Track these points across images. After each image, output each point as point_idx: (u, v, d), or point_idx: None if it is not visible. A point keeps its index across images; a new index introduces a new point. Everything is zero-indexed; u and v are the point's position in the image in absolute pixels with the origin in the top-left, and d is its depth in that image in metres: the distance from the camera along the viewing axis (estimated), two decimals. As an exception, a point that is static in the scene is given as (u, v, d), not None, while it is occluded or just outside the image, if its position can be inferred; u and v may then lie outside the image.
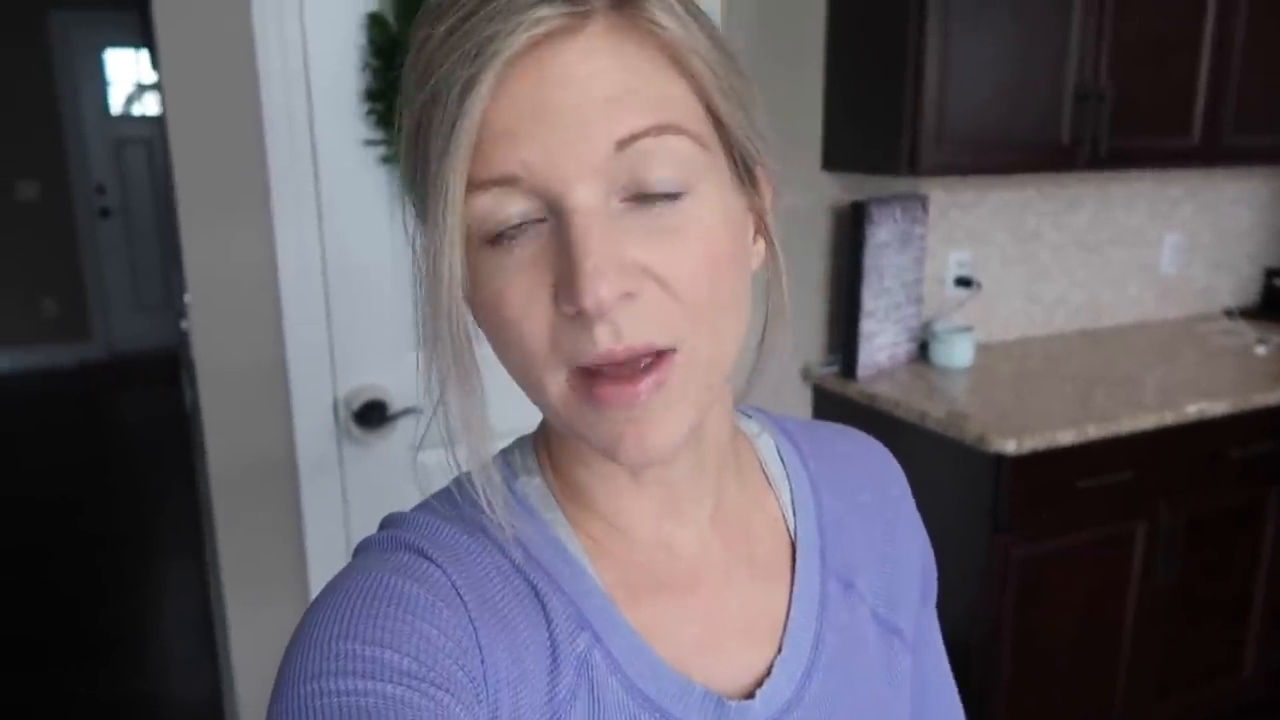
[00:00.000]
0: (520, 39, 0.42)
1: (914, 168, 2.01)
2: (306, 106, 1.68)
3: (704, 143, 0.47)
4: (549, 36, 0.43)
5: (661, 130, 0.45)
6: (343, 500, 1.83)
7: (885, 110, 2.04)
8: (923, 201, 2.30)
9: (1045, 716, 2.09)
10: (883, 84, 2.05)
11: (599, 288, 0.43)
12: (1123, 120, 2.20)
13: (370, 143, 1.72)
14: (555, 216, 0.45)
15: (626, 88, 0.44)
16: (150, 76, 6.16)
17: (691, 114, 0.47)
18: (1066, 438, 1.91)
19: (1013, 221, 2.58)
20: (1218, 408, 2.09)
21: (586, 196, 0.44)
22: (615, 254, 0.44)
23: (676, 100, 0.46)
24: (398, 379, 1.82)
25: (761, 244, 0.54)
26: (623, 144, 0.44)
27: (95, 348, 6.32)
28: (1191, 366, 2.40)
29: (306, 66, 1.67)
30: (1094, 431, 1.94)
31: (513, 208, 0.45)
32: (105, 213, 6.21)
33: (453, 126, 0.43)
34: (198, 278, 1.67)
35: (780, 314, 0.56)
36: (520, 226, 0.45)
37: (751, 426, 0.65)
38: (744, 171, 0.51)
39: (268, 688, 1.71)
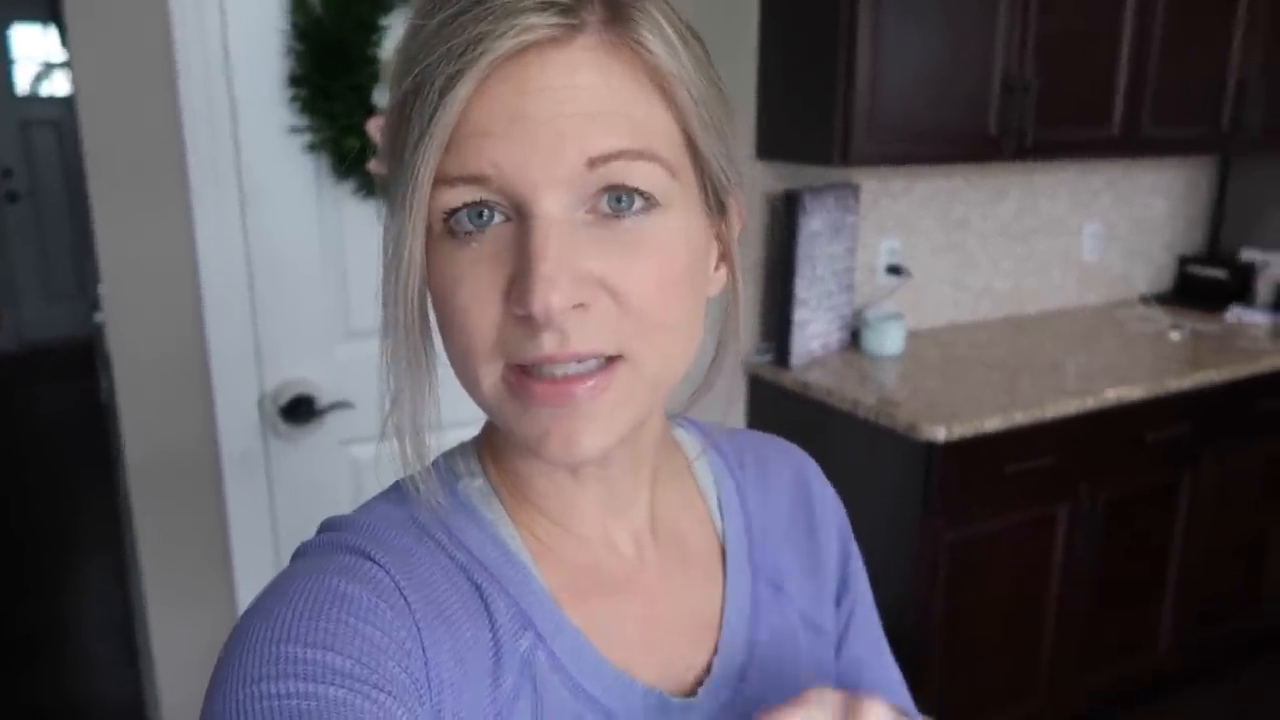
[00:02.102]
0: (507, 43, 0.43)
1: (846, 158, 2.03)
2: (227, 90, 1.62)
3: (675, 172, 0.48)
4: (537, 45, 0.44)
5: (636, 156, 0.45)
6: (269, 497, 1.79)
7: (818, 100, 2.06)
8: (854, 190, 2.32)
9: (975, 694, 2.15)
10: (815, 74, 2.06)
11: (550, 295, 0.43)
12: (1047, 111, 2.25)
13: (295, 129, 1.67)
14: (519, 219, 0.45)
15: (606, 107, 0.45)
16: (59, 54, 5.90)
17: (668, 142, 0.47)
18: (994, 424, 1.95)
19: (941, 210, 2.62)
20: (1135, 393, 2.16)
21: (551, 205, 0.44)
22: (571, 263, 0.44)
23: (655, 127, 0.47)
24: (326, 373, 1.78)
25: (723, 271, 0.55)
26: (594, 163, 0.44)
27: (4, 338, 6.05)
28: (1110, 352, 2.48)
29: (226, 49, 1.61)
30: (1020, 418, 1.98)
31: (478, 195, 0.45)
32: (13, 197, 5.93)
33: (429, 119, 0.44)
34: (112, 268, 1.60)
35: (733, 341, 0.57)
36: (483, 221, 0.46)
37: (681, 434, 0.66)
38: (715, 200, 0.52)
39: (191, 689, 1.64)
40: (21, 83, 5.93)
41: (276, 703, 0.41)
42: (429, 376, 0.51)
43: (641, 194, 0.46)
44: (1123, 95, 2.39)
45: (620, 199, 0.46)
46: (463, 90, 0.43)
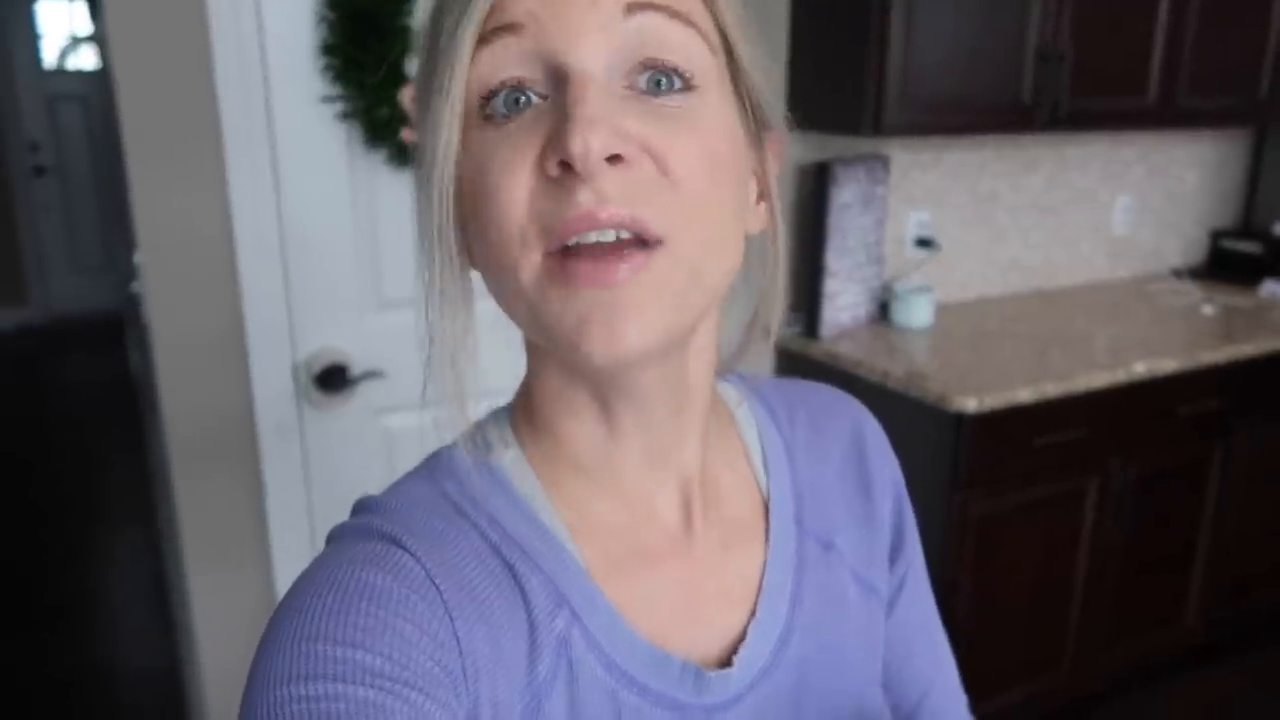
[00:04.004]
0: None
1: (878, 128, 2.01)
2: (260, 60, 1.62)
3: (715, 51, 0.47)
4: None
5: (674, 14, 0.45)
6: (303, 465, 1.80)
7: (850, 70, 2.04)
8: (885, 162, 2.30)
9: (1001, 667, 2.15)
10: (847, 44, 2.04)
11: (589, 135, 0.41)
12: (1081, 81, 2.22)
13: (328, 99, 1.67)
14: (555, 86, 0.44)
15: None
16: (85, 28, 5.92)
17: (708, 26, 0.47)
18: (1024, 396, 1.94)
19: (971, 183, 2.60)
20: (1167, 366, 2.15)
21: (589, 59, 0.43)
22: (611, 116, 0.42)
23: (694, 7, 0.46)
24: (359, 342, 1.79)
25: (763, 208, 0.53)
26: (632, 8, 0.44)
27: (32, 311, 6.11)
28: (1142, 326, 2.46)
29: (260, 18, 1.61)
30: (1051, 390, 1.97)
31: (514, 68, 0.44)
32: (40, 171, 5.98)
33: None
34: (149, 238, 1.62)
35: (775, 283, 0.54)
36: (519, 107, 0.44)
37: (727, 390, 0.64)
38: (753, 124, 0.50)
39: (229, 654, 1.67)
40: (48, 57, 5.96)
41: (306, 705, 0.41)
42: (470, 305, 0.49)
43: (680, 74, 0.45)
44: (1158, 65, 2.35)
45: (659, 80, 0.45)
46: None
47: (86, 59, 5.96)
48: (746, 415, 0.63)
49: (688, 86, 0.45)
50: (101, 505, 3.74)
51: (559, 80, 0.44)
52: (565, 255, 0.44)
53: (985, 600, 2.06)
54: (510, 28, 0.44)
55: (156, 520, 3.18)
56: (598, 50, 0.43)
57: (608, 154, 0.42)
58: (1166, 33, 2.34)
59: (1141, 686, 2.44)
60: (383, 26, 1.64)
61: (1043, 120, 2.20)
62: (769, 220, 0.54)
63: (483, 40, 0.44)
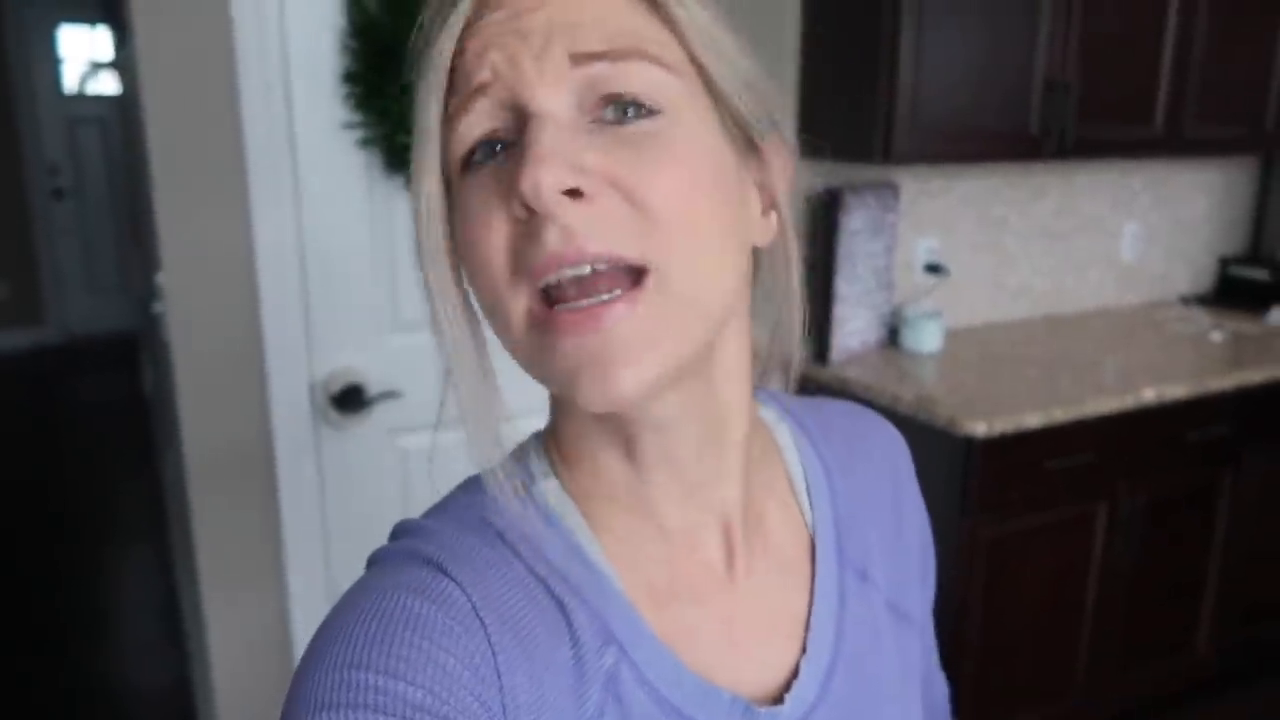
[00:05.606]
0: None
1: (887, 155, 2.04)
2: (284, 87, 1.67)
3: (679, 74, 0.46)
4: None
5: (623, 55, 0.44)
6: (319, 484, 1.83)
7: (859, 98, 2.07)
8: (894, 189, 2.33)
9: (1010, 693, 2.15)
10: (857, 73, 2.08)
11: (538, 173, 0.41)
12: (1088, 110, 2.25)
13: (348, 125, 1.71)
14: (521, 129, 0.45)
15: (593, 15, 0.45)
16: (105, 54, 6.02)
17: (667, 52, 0.46)
18: (1034, 420, 1.95)
19: (980, 210, 2.63)
20: (1175, 392, 2.16)
21: (549, 102, 0.44)
22: (568, 152, 0.43)
23: (649, 36, 0.46)
24: (376, 362, 1.82)
25: (773, 218, 0.53)
26: (578, 59, 0.44)
27: (49, 331, 6.18)
28: (1151, 352, 2.47)
29: (284, 47, 1.65)
30: (1060, 415, 1.99)
31: (486, 122, 0.45)
32: (59, 193, 6.07)
33: (432, 47, 0.46)
34: (172, 259, 1.65)
35: (791, 297, 0.54)
36: (493, 150, 0.46)
37: (768, 413, 0.62)
38: (742, 138, 0.49)
39: (243, 672, 1.68)
40: (69, 82, 6.06)
41: None
42: (481, 355, 0.49)
43: (641, 103, 0.44)
44: (1165, 95, 2.38)
45: (624, 110, 0.45)
46: (457, 16, 0.46)
47: (106, 84, 6.06)
48: (786, 438, 0.62)
49: (654, 111, 0.45)
50: (114, 523, 3.77)
51: (524, 123, 0.44)
52: (551, 298, 0.44)
53: (994, 625, 2.06)
54: (480, 89, 0.45)
55: (168, 538, 3.20)
56: (558, 92, 0.44)
57: (561, 189, 0.42)
58: (1172, 63, 2.37)
59: (1151, 715, 2.42)
60: (404, 55, 1.67)
61: (1050, 149, 2.23)
62: (780, 233, 0.53)
63: (456, 110, 0.46)
